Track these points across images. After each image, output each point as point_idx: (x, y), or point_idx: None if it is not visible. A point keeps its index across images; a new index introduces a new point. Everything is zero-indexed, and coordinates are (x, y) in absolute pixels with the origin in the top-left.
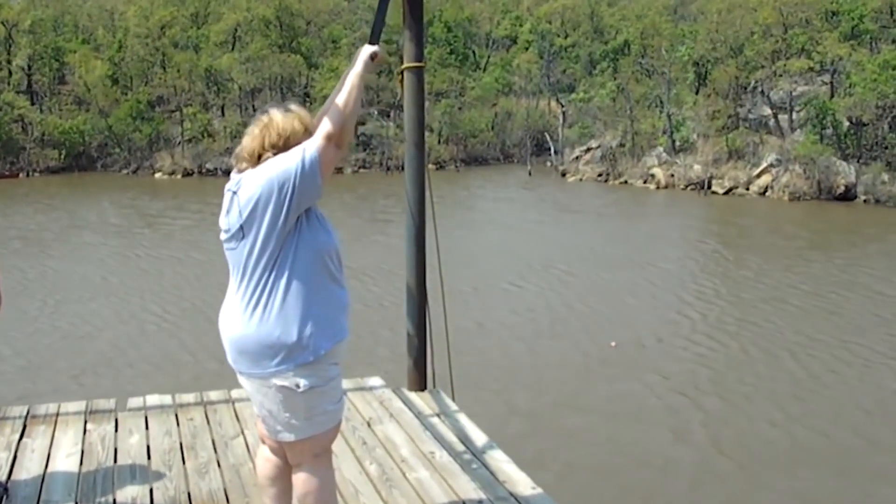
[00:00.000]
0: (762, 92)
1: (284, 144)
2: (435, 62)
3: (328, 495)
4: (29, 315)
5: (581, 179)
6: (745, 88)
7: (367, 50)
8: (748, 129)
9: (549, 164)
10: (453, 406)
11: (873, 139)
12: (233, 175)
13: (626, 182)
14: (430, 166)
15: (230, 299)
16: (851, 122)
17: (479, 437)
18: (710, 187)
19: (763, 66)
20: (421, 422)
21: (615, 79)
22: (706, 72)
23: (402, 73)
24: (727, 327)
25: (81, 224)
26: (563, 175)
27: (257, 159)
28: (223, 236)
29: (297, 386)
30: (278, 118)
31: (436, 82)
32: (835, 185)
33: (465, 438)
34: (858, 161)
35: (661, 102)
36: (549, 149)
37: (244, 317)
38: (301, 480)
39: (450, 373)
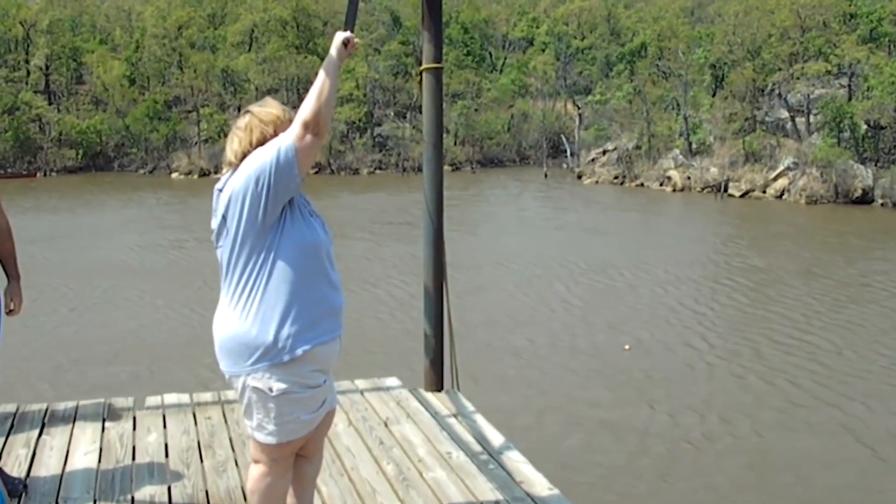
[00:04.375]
0: (779, 95)
1: (271, 136)
2: (452, 64)
3: (272, 499)
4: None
5: (597, 182)
6: (763, 91)
7: (340, 36)
8: (765, 131)
9: (565, 166)
10: (470, 407)
11: (891, 143)
12: (222, 174)
13: (642, 184)
14: (446, 167)
15: (220, 299)
16: (869, 126)
17: (495, 438)
18: (726, 190)
19: (780, 69)
20: (438, 422)
21: (632, 81)
22: (723, 74)
23: (420, 74)
24: (743, 332)
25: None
26: (580, 177)
27: (242, 158)
28: (213, 237)
29: (270, 390)
30: (259, 112)
31: (452, 84)
32: (852, 188)
33: (481, 439)
34: (876, 165)
35: (678, 105)
36: (566, 151)
37: (227, 315)
38: (255, 477)
39: (453, 373)
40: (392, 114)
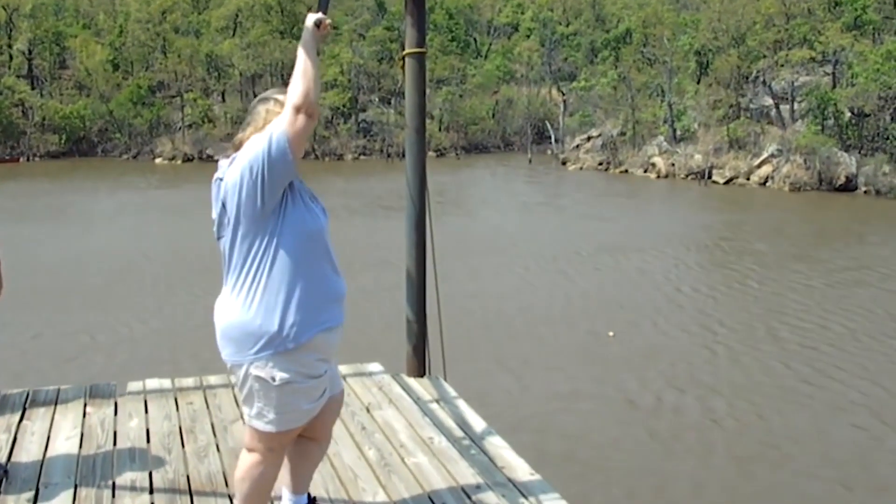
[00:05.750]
0: (764, 82)
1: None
2: (436, 49)
3: (262, 488)
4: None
5: (581, 168)
6: (747, 78)
7: (312, 18)
8: (749, 118)
9: (549, 152)
10: (452, 392)
11: (875, 130)
12: (220, 163)
13: (626, 171)
14: (431, 153)
15: (223, 289)
16: (853, 113)
17: (477, 423)
18: (710, 177)
19: (765, 56)
20: (420, 407)
21: (616, 67)
22: (708, 61)
23: (403, 58)
24: (726, 317)
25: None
26: (564, 163)
27: (240, 146)
28: (214, 228)
29: (273, 379)
30: (260, 108)
31: (437, 69)
32: (835, 175)
33: (463, 424)
34: (860, 152)
35: (663, 91)
36: (550, 137)
37: (230, 304)
38: (247, 465)
39: (442, 358)
40: (377, 99)
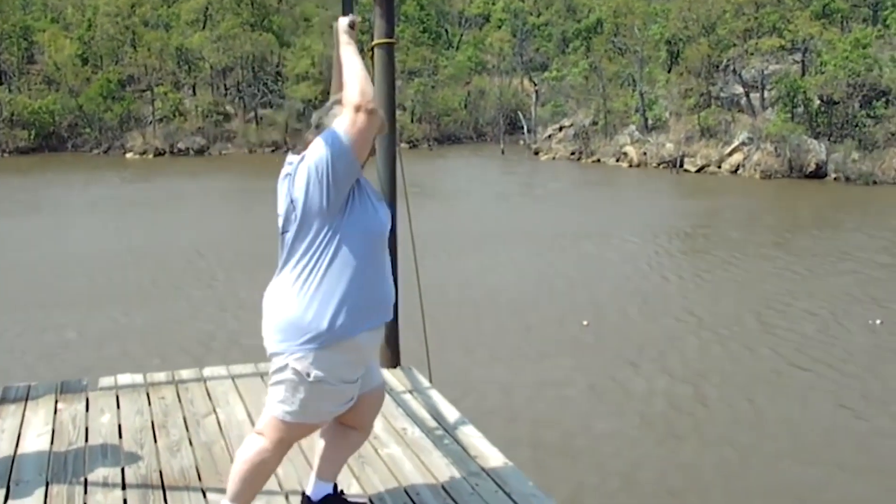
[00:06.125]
0: (734, 70)
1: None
2: (407, 40)
3: (259, 475)
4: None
5: (554, 158)
6: (717, 67)
7: (344, 21)
8: (720, 107)
9: (522, 142)
10: (425, 383)
11: (844, 117)
12: (289, 158)
13: (598, 160)
14: (403, 145)
15: (276, 279)
16: (822, 101)
17: (451, 413)
18: (682, 165)
19: (735, 45)
20: (393, 398)
21: (588, 57)
22: (678, 50)
23: (372, 49)
24: (709, 304)
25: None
26: (536, 153)
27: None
28: (280, 221)
29: (308, 375)
30: (337, 109)
31: (408, 61)
32: (805, 163)
33: (437, 415)
34: (829, 139)
35: (634, 81)
36: (522, 127)
37: (284, 295)
38: (253, 449)
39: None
40: None
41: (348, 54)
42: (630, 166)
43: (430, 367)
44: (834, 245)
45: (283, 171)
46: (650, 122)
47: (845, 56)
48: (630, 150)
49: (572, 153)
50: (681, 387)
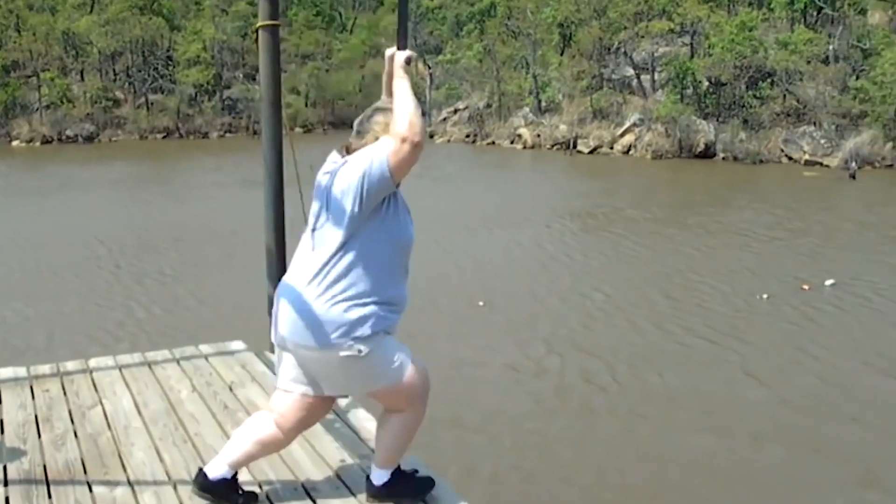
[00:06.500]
0: (625, 53)
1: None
2: (301, 24)
3: (263, 453)
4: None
5: (449, 140)
6: (609, 49)
7: (402, 56)
8: (612, 89)
9: None
10: None
11: (731, 98)
12: (333, 158)
13: (493, 143)
14: (298, 129)
15: (298, 272)
16: (710, 82)
17: (341, 398)
18: (575, 147)
19: (626, 28)
20: None
21: (482, 40)
22: (571, 33)
23: (256, 31)
24: (605, 283)
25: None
26: (431, 136)
27: (350, 150)
28: (311, 219)
29: (360, 352)
30: (378, 117)
31: (302, 44)
32: (695, 143)
33: None
34: (717, 120)
35: (527, 64)
36: None
37: (308, 292)
38: (272, 429)
39: None
40: (241, 76)
41: (403, 87)
42: (524, 148)
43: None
44: (726, 222)
45: (324, 168)
46: (544, 104)
47: (732, 39)
48: (524, 132)
49: (467, 136)
50: (592, 362)
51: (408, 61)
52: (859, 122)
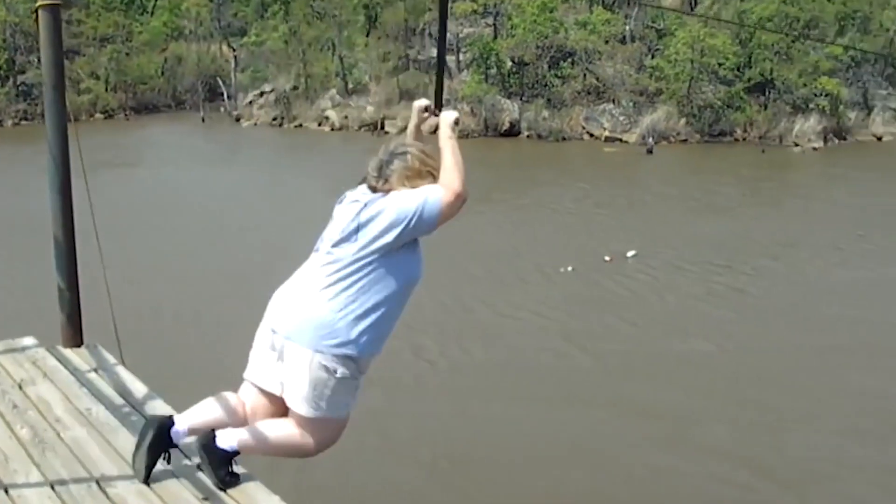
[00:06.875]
0: (430, 34)
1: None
2: (98, 5)
3: (282, 448)
4: None
5: (256, 124)
6: (415, 31)
7: (450, 117)
8: (418, 70)
9: (222, 109)
10: (112, 360)
11: (534, 78)
12: (364, 188)
13: (300, 125)
14: (98, 115)
15: (310, 279)
16: (514, 62)
17: (139, 390)
18: (383, 128)
19: (430, 9)
20: (77, 378)
21: (287, 22)
22: (376, 14)
23: (36, 11)
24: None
25: None
26: (238, 120)
27: (386, 185)
28: (330, 242)
29: (335, 371)
30: (397, 164)
31: (100, 27)
32: (500, 122)
33: (124, 392)
34: (521, 99)
35: (334, 45)
36: (223, 94)
37: (316, 299)
38: (285, 425)
39: (115, 327)
40: (36, 60)
41: (454, 147)
42: (332, 130)
43: (119, 343)
44: (533, 198)
45: (351, 197)
46: (350, 86)
47: (534, 20)
48: (332, 114)
49: (274, 119)
50: (396, 342)
51: (456, 122)
52: (655, 99)
